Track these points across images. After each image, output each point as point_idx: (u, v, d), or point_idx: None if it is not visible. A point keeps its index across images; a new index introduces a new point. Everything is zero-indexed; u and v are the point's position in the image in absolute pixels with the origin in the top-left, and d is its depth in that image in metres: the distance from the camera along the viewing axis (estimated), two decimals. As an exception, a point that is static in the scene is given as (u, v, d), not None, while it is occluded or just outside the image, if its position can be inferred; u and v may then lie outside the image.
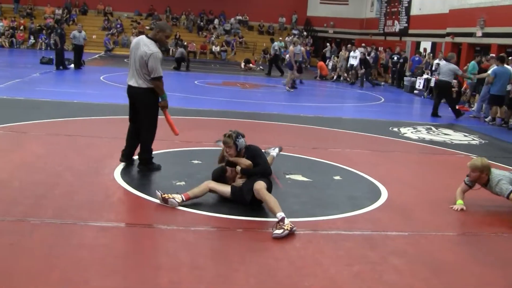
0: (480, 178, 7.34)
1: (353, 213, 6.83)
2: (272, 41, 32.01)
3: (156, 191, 6.52)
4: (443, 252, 5.78)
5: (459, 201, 7.38)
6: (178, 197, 6.46)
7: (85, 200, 6.62)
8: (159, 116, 8.01)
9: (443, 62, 17.80)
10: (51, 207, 6.16)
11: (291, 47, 22.89)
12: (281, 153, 8.58)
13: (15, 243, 5.12)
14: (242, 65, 32.81)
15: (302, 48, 22.43)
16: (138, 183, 7.37)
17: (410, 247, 5.85)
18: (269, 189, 6.49)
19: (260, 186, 6.36)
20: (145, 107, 7.95)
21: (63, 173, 7.53)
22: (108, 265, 4.88)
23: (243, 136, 6.93)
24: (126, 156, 8.25)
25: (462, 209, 7.25)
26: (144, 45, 7.71)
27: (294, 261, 5.23)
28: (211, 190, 6.77)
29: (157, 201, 6.51)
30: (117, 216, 6.23)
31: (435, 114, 17.16)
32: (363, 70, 26.65)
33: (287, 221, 5.88)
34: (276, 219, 5.95)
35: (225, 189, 6.78)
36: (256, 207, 6.53)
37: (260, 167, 6.76)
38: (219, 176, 7.00)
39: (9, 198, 6.32)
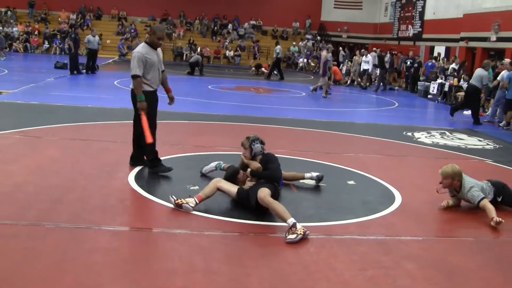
0: (452, 184, 7.36)
1: (367, 217, 6.81)
2: (277, 44, 32.02)
3: (170, 196, 6.52)
4: (456, 257, 5.76)
5: (449, 201, 7.49)
6: (191, 201, 6.46)
7: (98, 204, 6.64)
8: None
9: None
10: (65, 211, 6.18)
11: (324, 53, 22.40)
12: (294, 157, 8.55)
13: (29, 247, 5.14)
14: (253, 70, 32.82)
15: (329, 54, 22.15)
16: (152, 187, 7.39)
17: (423, 252, 5.83)
18: (274, 196, 6.48)
19: (264, 193, 6.33)
20: (135, 108, 8.06)
21: (77, 178, 7.56)
22: (121, 269, 4.89)
23: (262, 143, 7.08)
24: (134, 160, 8.32)
25: (448, 203, 7.41)
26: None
27: (307, 265, 5.23)
28: (218, 189, 6.77)
29: (171, 205, 6.52)
30: (131, 220, 6.25)
31: (452, 113, 17.35)
32: (377, 71, 26.66)
33: (299, 226, 5.87)
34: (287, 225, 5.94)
35: (232, 189, 6.79)
36: (264, 212, 6.51)
37: (268, 172, 6.81)
38: (231, 176, 7.07)
39: (23, 203, 6.35)
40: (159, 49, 8.24)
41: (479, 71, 17.22)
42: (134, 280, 4.66)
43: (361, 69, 28.22)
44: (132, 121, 8.28)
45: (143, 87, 7.88)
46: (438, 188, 7.44)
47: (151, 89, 8.07)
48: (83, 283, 4.51)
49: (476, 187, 7.30)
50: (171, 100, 8.57)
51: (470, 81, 17.60)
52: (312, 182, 8.03)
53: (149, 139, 7.88)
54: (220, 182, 6.81)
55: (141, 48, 7.99)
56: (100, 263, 4.93)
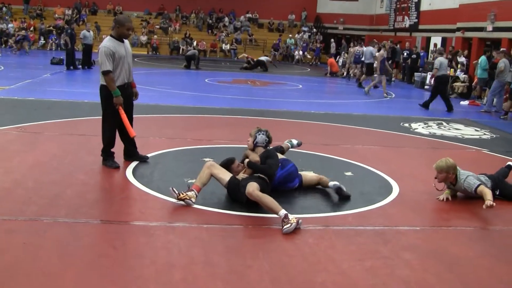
0: (448, 178, 7.36)
1: (364, 208, 6.84)
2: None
3: (171, 188, 6.52)
4: (455, 247, 5.78)
5: (447, 191, 7.49)
6: (193, 196, 6.47)
7: (97, 199, 6.68)
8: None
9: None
10: (64, 206, 6.19)
11: (382, 52, 21.55)
12: (292, 149, 8.54)
13: (28, 242, 5.16)
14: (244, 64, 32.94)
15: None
16: (150, 182, 7.39)
17: (422, 242, 5.85)
18: (265, 191, 6.44)
19: (252, 188, 6.29)
20: (101, 102, 8.02)
21: (76, 173, 7.57)
22: (121, 263, 4.91)
23: (268, 138, 7.19)
24: (128, 154, 8.35)
25: (447, 198, 7.38)
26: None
27: (307, 257, 5.25)
28: (212, 175, 6.76)
29: (170, 199, 6.52)
30: (130, 214, 6.26)
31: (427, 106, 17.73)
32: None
33: (291, 216, 5.89)
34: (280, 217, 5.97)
35: (225, 177, 6.78)
36: (256, 204, 6.45)
37: (265, 167, 6.79)
38: (226, 164, 7.04)
39: (23, 198, 6.36)
40: (127, 42, 8.11)
41: (443, 60, 17.61)
42: (135, 274, 4.67)
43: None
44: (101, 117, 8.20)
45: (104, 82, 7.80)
46: (437, 186, 7.45)
47: (120, 84, 7.89)
48: (84, 277, 4.53)
49: (472, 176, 7.33)
50: (135, 95, 8.39)
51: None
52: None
53: (132, 133, 7.91)
54: (214, 167, 6.79)
55: (107, 42, 7.84)
56: (100, 257, 4.95)
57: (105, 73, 7.69)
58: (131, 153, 8.33)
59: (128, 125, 7.92)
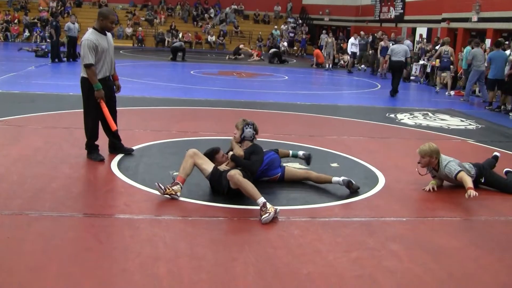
0: (430, 162, 7.43)
1: (350, 199, 6.84)
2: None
3: (156, 184, 6.48)
4: (441, 237, 5.79)
5: (432, 181, 7.52)
6: (178, 190, 6.43)
7: (82, 192, 6.65)
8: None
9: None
10: (48, 200, 6.15)
11: (451, 49, 20.48)
12: (278, 141, 8.52)
13: (12, 236, 5.12)
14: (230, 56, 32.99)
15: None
16: (135, 174, 7.35)
17: (408, 233, 5.86)
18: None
19: (234, 172, 6.27)
20: (82, 95, 7.96)
21: (60, 166, 7.52)
22: (107, 256, 4.88)
23: (255, 130, 7.13)
24: (112, 147, 8.32)
25: (433, 189, 7.40)
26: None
27: (292, 248, 5.24)
28: (195, 165, 6.72)
29: (155, 191, 6.49)
30: (115, 207, 6.23)
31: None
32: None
33: (269, 205, 5.90)
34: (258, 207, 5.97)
35: (208, 167, 6.72)
36: (236, 195, 6.45)
37: (248, 162, 6.78)
38: (210, 153, 6.97)
39: (6, 192, 6.31)
40: (109, 35, 8.03)
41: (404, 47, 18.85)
42: (120, 267, 4.65)
43: (350, 53, 28.00)
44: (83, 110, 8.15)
45: (85, 74, 7.74)
46: (420, 170, 7.48)
47: (102, 77, 7.84)
48: (68, 271, 4.49)
49: (453, 162, 7.37)
50: (117, 88, 8.34)
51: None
52: (296, 164, 8.01)
53: (114, 126, 7.84)
54: (197, 156, 6.74)
55: (90, 34, 7.76)
56: (85, 250, 4.92)
57: (87, 66, 7.64)
58: (116, 146, 8.29)
59: (110, 118, 7.88)
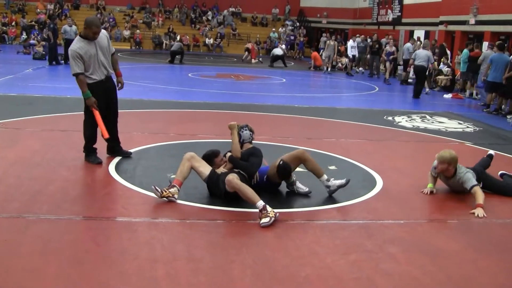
0: (447, 170, 7.28)
1: (348, 202, 6.84)
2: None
3: (153, 187, 6.47)
4: (439, 239, 5.79)
5: (430, 185, 7.47)
6: (175, 192, 6.42)
7: (80, 195, 6.63)
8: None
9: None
10: (46, 202, 6.14)
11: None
12: (276, 144, 8.51)
13: (9, 239, 5.11)
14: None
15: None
16: (133, 177, 7.35)
17: (406, 235, 5.85)
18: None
19: (232, 176, 6.25)
20: (83, 99, 7.94)
21: (58, 169, 7.51)
22: (104, 258, 4.88)
23: (251, 132, 7.15)
24: (110, 149, 8.32)
25: (431, 192, 7.37)
26: None
27: (290, 251, 5.23)
28: (192, 168, 6.71)
29: (153, 194, 6.48)
30: (113, 210, 6.22)
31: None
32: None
33: (269, 208, 5.87)
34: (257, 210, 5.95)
35: (205, 170, 6.72)
36: (234, 198, 6.43)
37: (246, 164, 6.77)
38: (208, 157, 6.95)
39: (4, 195, 6.30)
40: (102, 35, 7.91)
41: (427, 52, 19.18)
42: (118, 270, 4.64)
43: (350, 55, 28.00)
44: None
45: (87, 80, 7.73)
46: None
47: (95, 80, 7.81)
48: (66, 273, 4.49)
49: (470, 173, 7.23)
50: (121, 85, 8.35)
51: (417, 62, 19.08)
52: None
53: (105, 134, 7.81)
54: (194, 159, 6.73)
55: (75, 43, 7.70)
56: (82, 253, 4.91)
57: (75, 76, 7.70)
58: (114, 148, 8.29)
59: (102, 126, 7.78)
